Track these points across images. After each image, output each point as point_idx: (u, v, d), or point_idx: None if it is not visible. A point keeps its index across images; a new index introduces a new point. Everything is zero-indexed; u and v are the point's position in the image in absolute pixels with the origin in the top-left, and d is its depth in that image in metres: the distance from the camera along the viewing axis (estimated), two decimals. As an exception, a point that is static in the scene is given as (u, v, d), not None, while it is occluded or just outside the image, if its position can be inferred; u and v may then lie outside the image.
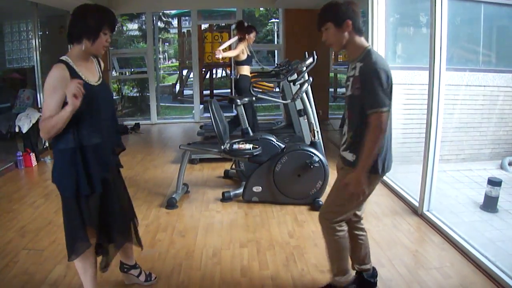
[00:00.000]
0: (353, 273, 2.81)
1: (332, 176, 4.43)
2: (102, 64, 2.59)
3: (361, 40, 2.41)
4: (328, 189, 4.45)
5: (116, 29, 2.46)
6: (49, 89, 2.24)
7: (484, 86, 6.10)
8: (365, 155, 2.32)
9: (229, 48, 6.98)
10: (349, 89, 2.43)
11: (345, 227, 2.66)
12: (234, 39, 6.76)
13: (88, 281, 2.65)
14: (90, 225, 2.49)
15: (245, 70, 6.50)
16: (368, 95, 2.27)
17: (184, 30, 14.72)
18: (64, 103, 2.23)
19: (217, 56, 6.39)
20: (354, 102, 2.40)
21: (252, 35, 6.47)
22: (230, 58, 7.88)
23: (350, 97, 2.43)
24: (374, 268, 2.89)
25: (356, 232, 2.77)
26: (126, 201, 2.83)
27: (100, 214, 2.53)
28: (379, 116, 2.24)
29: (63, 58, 2.31)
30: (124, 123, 9.08)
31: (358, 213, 2.74)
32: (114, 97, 2.80)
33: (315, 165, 4.29)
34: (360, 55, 2.38)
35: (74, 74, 2.28)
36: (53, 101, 2.23)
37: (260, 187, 4.47)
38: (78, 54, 2.36)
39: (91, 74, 2.42)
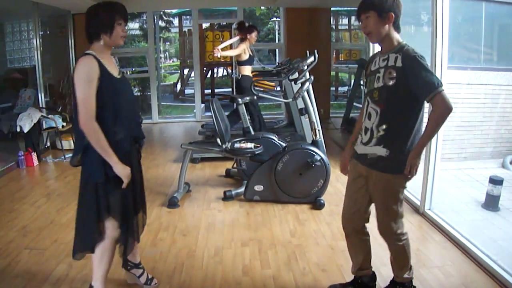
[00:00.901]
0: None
1: (334, 175, 4.44)
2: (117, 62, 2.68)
3: (398, 36, 2.39)
4: (329, 187, 4.49)
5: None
6: (85, 79, 2.30)
7: (486, 84, 6.09)
8: (427, 135, 2.29)
9: (230, 47, 6.98)
10: (380, 80, 2.36)
11: (405, 228, 2.64)
12: (234, 39, 6.76)
13: (100, 272, 2.65)
14: (113, 215, 2.52)
15: (247, 70, 6.50)
16: (421, 81, 2.21)
17: (185, 29, 14.68)
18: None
19: (215, 54, 6.40)
20: (388, 92, 2.33)
21: (254, 35, 6.47)
22: (231, 57, 7.88)
23: (381, 88, 2.36)
24: (373, 272, 2.87)
25: (361, 237, 2.76)
26: (143, 192, 2.88)
27: (122, 204, 2.57)
28: (441, 97, 2.17)
29: (88, 51, 2.40)
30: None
31: (365, 216, 2.72)
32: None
33: (317, 164, 4.28)
34: (394, 48, 2.35)
35: (101, 66, 2.37)
36: (92, 92, 2.31)
37: (262, 186, 4.47)
38: (100, 50, 2.44)
39: (114, 68, 2.51)
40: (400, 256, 2.67)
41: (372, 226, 2.76)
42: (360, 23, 2.43)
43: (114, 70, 2.49)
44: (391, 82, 2.31)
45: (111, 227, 2.55)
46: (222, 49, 6.46)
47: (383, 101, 2.37)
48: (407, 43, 2.37)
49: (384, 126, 2.38)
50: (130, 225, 2.67)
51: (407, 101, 2.31)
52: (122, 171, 2.41)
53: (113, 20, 2.40)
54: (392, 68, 2.30)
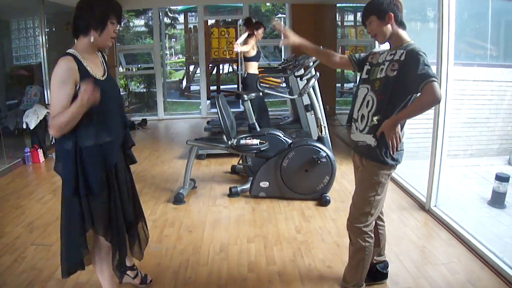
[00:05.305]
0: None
1: (339, 171, 4.43)
2: (106, 58, 2.51)
3: (404, 33, 2.48)
4: (335, 184, 4.49)
5: (122, 23, 2.44)
6: (57, 82, 2.15)
7: (492, 81, 6.06)
8: (408, 111, 2.35)
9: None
10: (383, 72, 2.44)
11: (373, 236, 2.67)
12: (246, 34, 6.76)
13: (106, 281, 2.64)
14: (97, 224, 2.39)
15: (253, 67, 6.49)
16: (417, 73, 2.24)
17: (191, 25, 14.70)
18: (74, 97, 2.16)
19: (235, 50, 6.44)
20: (387, 83, 2.40)
21: (260, 31, 6.47)
22: (237, 54, 7.88)
23: (382, 79, 2.44)
24: (386, 260, 2.97)
25: (378, 222, 2.83)
26: (135, 199, 2.78)
27: (109, 213, 2.44)
28: (432, 85, 2.18)
29: (70, 51, 2.25)
30: (131, 119, 9.10)
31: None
32: (120, 92, 2.81)
33: (322, 160, 4.28)
34: (402, 45, 2.44)
35: (81, 68, 2.21)
36: (63, 95, 2.15)
37: (267, 183, 4.47)
38: (85, 48, 2.30)
39: (97, 69, 2.35)
40: (358, 258, 2.66)
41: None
42: (366, 28, 2.58)
43: (98, 70, 2.34)
44: (392, 74, 2.39)
45: (102, 237, 2.46)
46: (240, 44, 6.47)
47: (383, 92, 2.44)
48: (415, 42, 2.45)
49: (378, 117, 2.45)
50: (121, 237, 2.54)
51: (402, 95, 2.39)
52: (81, 100, 2.11)
53: (106, 17, 2.25)
54: (396, 62, 2.39)
